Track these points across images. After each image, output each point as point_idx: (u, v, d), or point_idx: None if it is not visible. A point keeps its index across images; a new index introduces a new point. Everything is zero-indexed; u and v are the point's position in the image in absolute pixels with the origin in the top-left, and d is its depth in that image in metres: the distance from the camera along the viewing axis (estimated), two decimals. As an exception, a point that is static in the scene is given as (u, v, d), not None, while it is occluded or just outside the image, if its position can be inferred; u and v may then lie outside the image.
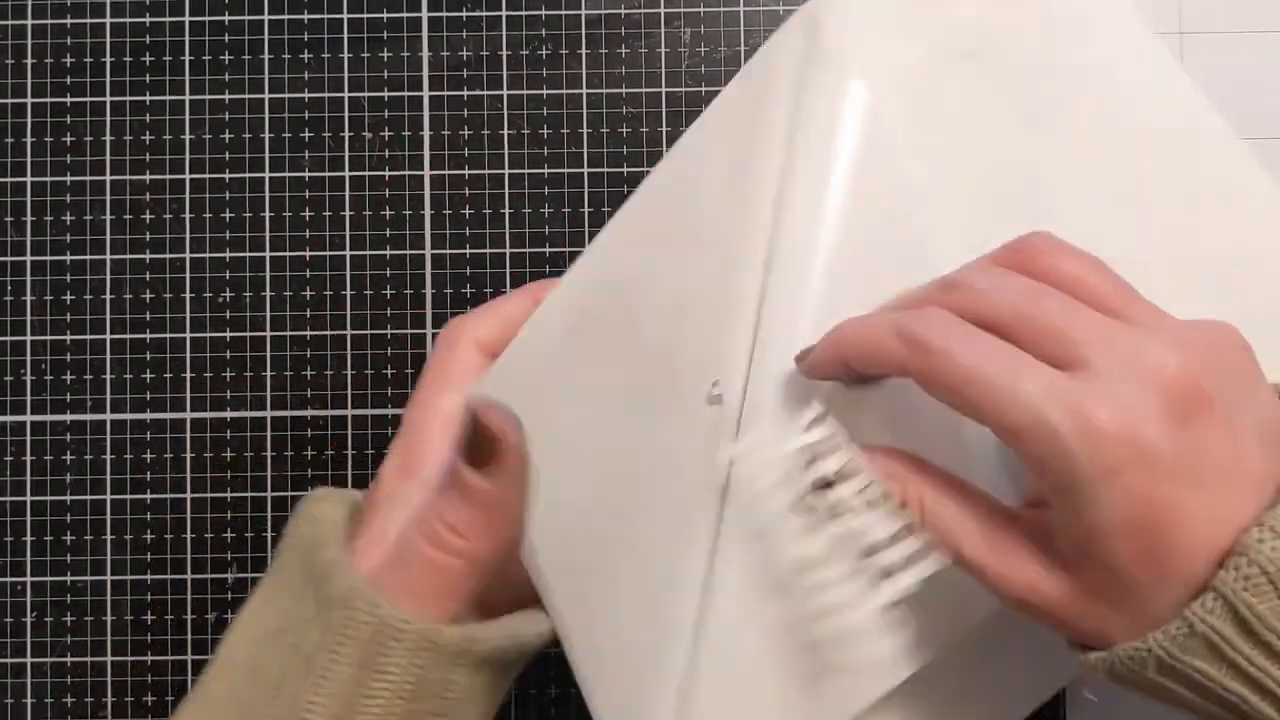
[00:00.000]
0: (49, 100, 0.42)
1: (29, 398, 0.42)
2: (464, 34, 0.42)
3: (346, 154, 0.42)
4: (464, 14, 0.42)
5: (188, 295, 0.42)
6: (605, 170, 0.42)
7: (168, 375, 0.42)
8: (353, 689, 0.29)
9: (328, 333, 0.42)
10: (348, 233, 0.42)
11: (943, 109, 0.35)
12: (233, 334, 0.42)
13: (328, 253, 0.42)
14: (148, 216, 0.42)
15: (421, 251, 0.42)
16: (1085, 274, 0.29)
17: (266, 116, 0.42)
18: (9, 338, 0.42)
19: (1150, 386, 0.26)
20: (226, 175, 0.42)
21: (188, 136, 0.42)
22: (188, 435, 0.41)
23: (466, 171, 0.42)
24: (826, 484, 0.30)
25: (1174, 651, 0.26)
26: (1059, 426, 0.26)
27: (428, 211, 0.42)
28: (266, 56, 0.42)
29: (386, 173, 0.42)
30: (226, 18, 0.42)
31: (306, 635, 0.30)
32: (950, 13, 0.36)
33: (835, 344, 0.31)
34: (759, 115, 0.34)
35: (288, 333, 0.41)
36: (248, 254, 0.42)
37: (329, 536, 0.32)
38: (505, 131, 0.42)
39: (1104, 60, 0.36)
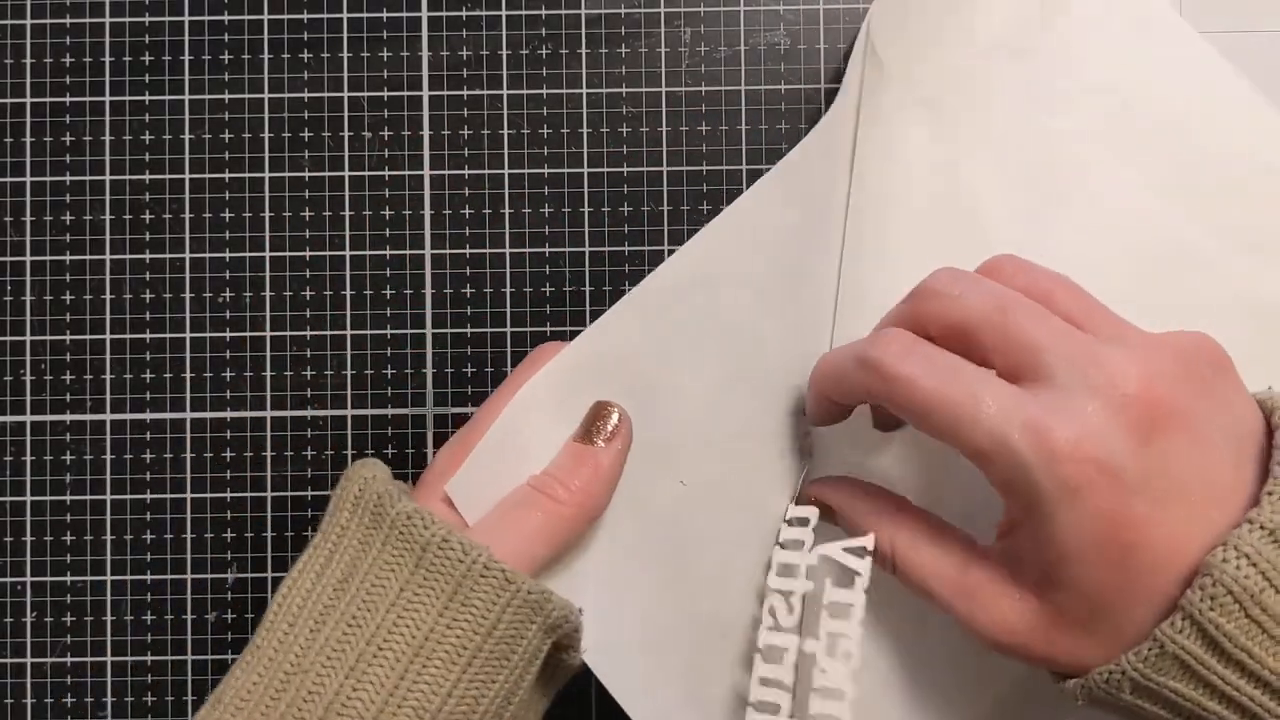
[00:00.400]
0: (49, 100, 0.42)
1: (29, 398, 0.42)
2: (464, 34, 0.42)
3: (346, 154, 0.42)
4: (464, 14, 0.42)
5: (188, 295, 0.42)
6: (605, 170, 0.42)
7: (168, 375, 0.42)
8: (436, 619, 0.31)
9: (328, 333, 0.42)
10: (348, 233, 0.42)
11: (991, 106, 0.37)
12: (233, 334, 0.42)
13: (328, 253, 0.42)
14: (148, 216, 0.42)
15: (421, 251, 0.42)
16: (1053, 288, 0.29)
17: (266, 116, 0.42)
18: (9, 338, 0.42)
19: (1112, 402, 0.26)
20: (226, 175, 0.42)
21: (188, 136, 0.42)
22: (188, 435, 0.41)
23: (466, 171, 0.42)
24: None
25: (1147, 672, 0.26)
26: (1020, 448, 0.26)
27: (428, 211, 0.42)
28: (266, 56, 0.42)
29: (386, 173, 0.42)
30: (226, 18, 0.42)
31: (387, 578, 0.31)
32: (990, 15, 0.37)
33: (813, 381, 0.33)
34: (831, 147, 0.37)
35: (288, 333, 0.41)
36: (248, 254, 0.42)
37: (398, 492, 0.33)
38: (505, 131, 0.42)
39: (1140, 50, 0.37)
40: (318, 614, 0.31)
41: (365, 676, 0.30)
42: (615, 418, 0.35)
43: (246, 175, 0.42)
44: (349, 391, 0.41)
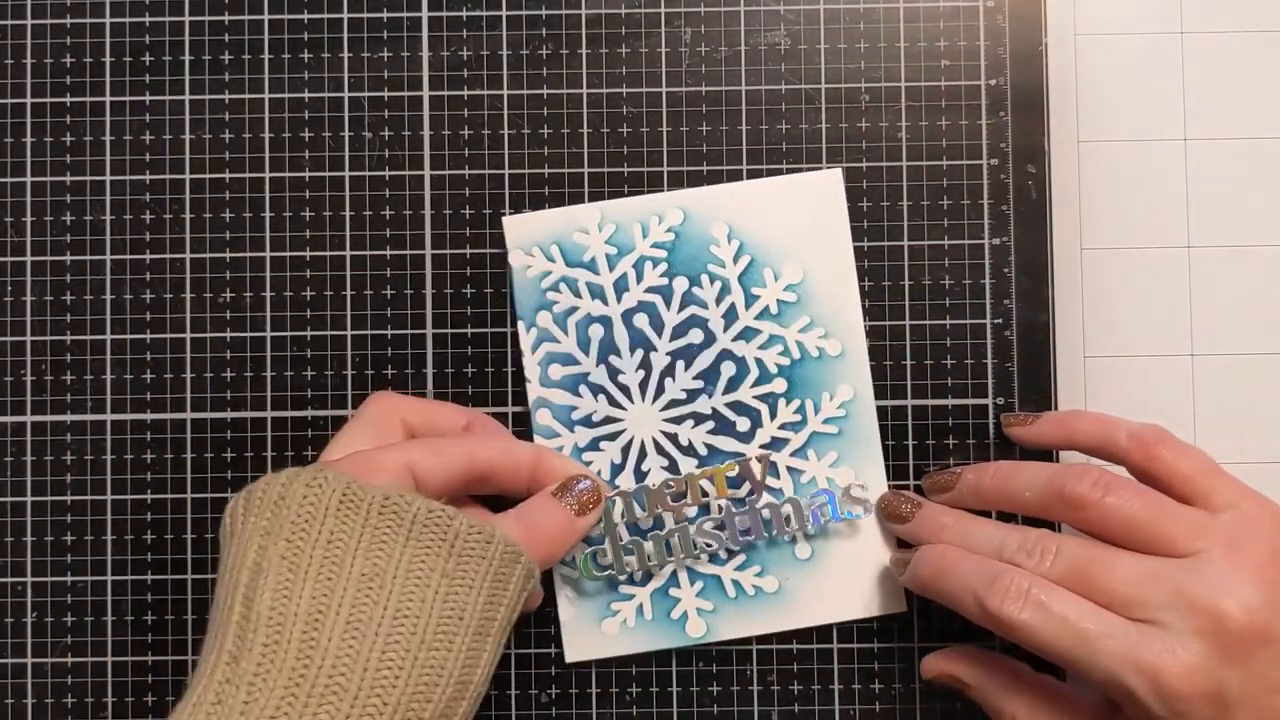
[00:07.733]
0: (49, 100, 0.42)
1: (29, 398, 0.42)
2: (464, 34, 0.42)
3: (346, 154, 0.42)
4: (464, 14, 0.42)
5: (188, 295, 0.42)
6: (605, 170, 0.42)
7: (168, 375, 0.42)
8: (479, 600, 0.33)
9: (328, 333, 0.41)
10: (348, 233, 0.42)
11: None
12: (233, 334, 0.42)
13: (328, 253, 0.42)
14: (148, 216, 0.42)
15: (421, 251, 0.42)
16: (1194, 472, 0.35)
17: (266, 116, 0.42)
18: (9, 338, 0.42)
19: (1214, 637, 0.32)
20: (226, 175, 0.42)
21: (188, 136, 0.42)
22: (188, 435, 0.41)
23: (466, 171, 0.42)
24: None
25: None
26: (1135, 687, 0.32)
27: (428, 211, 0.42)
28: (266, 56, 0.42)
29: (386, 173, 0.42)
30: (226, 18, 0.42)
31: (424, 572, 0.32)
32: None
33: (921, 577, 0.37)
34: None
35: (288, 333, 0.41)
36: (248, 254, 0.42)
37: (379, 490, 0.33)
38: (505, 131, 0.42)
39: None
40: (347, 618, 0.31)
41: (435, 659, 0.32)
42: (588, 485, 0.37)
43: (246, 175, 0.42)
44: (349, 391, 0.41)
